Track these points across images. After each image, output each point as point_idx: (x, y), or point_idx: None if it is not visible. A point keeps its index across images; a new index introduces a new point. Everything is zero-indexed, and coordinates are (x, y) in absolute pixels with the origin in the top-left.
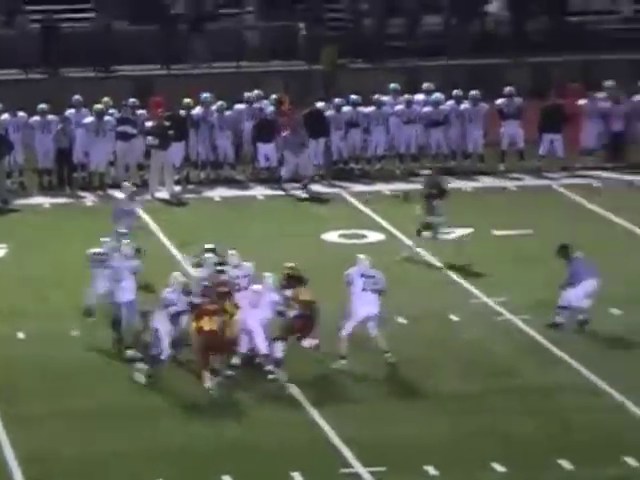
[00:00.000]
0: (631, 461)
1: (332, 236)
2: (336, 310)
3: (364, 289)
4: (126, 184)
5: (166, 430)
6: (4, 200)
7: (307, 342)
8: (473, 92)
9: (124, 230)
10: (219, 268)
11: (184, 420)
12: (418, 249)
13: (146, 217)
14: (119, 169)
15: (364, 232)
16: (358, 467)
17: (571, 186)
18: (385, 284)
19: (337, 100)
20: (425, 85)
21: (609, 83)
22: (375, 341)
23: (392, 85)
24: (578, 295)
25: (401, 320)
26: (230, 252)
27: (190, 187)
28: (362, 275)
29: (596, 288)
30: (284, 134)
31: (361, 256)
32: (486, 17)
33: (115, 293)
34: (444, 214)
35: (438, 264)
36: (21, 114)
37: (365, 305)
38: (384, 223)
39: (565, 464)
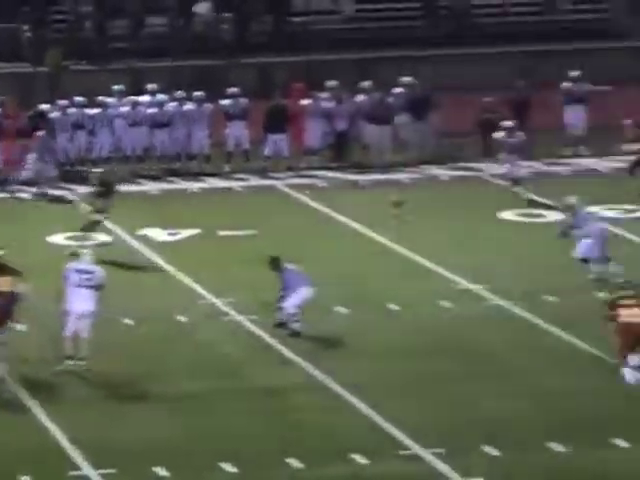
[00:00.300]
0: (359, 458)
1: (58, 238)
2: (60, 312)
3: (79, 285)
4: None
5: None
6: None
7: None
8: (197, 93)
9: None
10: None
11: None
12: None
13: None
14: None
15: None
16: (87, 469)
17: (296, 186)
18: (102, 280)
19: (62, 102)
20: (149, 86)
21: (331, 83)
22: (80, 341)
23: (116, 87)
24: (294, 305)
25: (127, 321)
26: None
27: None
28: (78, 270)
29: (310, 296)
30: (40, 135)
31: (84, 251)
32: (195, 18)
33: None
34: (108, 212)
35: (165, 265)
36: None
37: (79, 301)
38: (110, 225)
39: (295, 463)
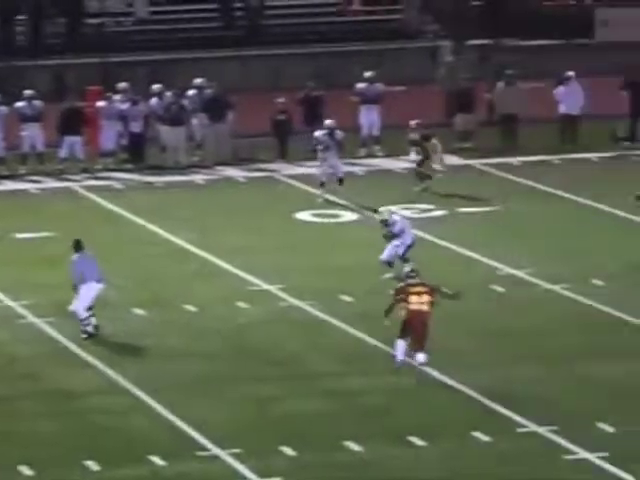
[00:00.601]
0: (157, 460)
1: None
2: None
3: None
4: None
5: None
6: None
7: None
8: None
9: None
10: None
11: None
12: None
13: None
14: None
15: None
16: None
17: (92, 188)
18: None
19: None
20: None
21: (123, 85)
22: None
23: None
24: (84, 308)
25: None
26: None
27: None
28: None
29: (99, 293)
30: None
31: None
32: None
33: None
34: None
35: None
36: None
37: None
38: None
39: (92, 465)
